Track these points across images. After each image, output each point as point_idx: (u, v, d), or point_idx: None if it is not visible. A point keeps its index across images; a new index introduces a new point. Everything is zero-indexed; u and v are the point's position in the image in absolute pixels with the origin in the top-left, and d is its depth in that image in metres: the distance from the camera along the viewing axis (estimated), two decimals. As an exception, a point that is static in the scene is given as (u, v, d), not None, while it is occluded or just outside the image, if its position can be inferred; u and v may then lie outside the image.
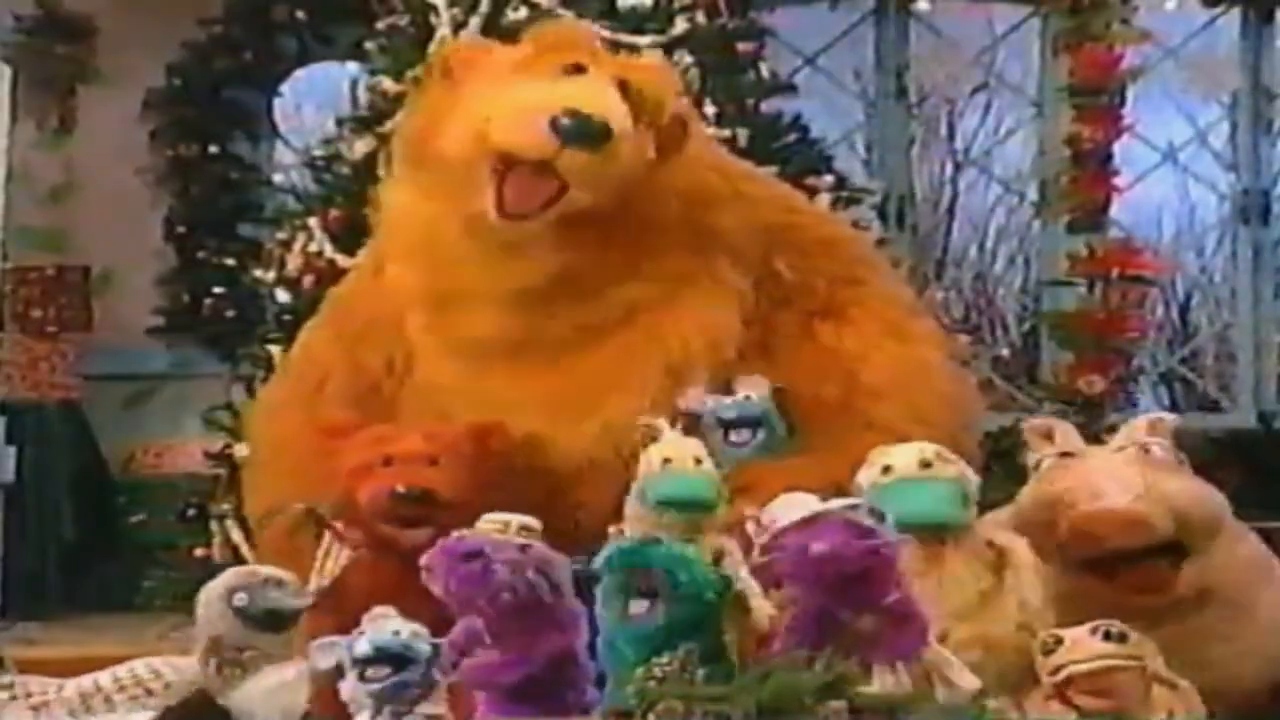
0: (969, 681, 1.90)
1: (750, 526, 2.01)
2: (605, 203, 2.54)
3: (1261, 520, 2.52)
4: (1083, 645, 1.98)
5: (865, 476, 2.21)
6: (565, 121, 2.43)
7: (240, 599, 2.24)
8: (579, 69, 2.61)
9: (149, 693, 2.20)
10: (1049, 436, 2.42)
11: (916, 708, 1.84)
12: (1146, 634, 2.06)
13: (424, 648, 2.00)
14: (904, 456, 2.20)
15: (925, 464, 2.19)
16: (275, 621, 2.25)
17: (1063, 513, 2.25)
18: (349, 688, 2.00)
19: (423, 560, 2.04)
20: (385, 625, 2.01)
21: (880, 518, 1.95)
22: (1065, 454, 2.38)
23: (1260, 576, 2.37)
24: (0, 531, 5.02)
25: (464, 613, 2.04)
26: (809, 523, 1.92)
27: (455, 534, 2.09)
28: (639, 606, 2.04)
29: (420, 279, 2.76)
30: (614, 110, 2.52)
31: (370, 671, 1.98)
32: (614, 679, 2.08)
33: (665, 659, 1.94)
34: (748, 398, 2.61)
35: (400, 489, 2.44)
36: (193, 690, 2.19)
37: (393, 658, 1.98)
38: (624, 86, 2.60)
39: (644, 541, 2.10)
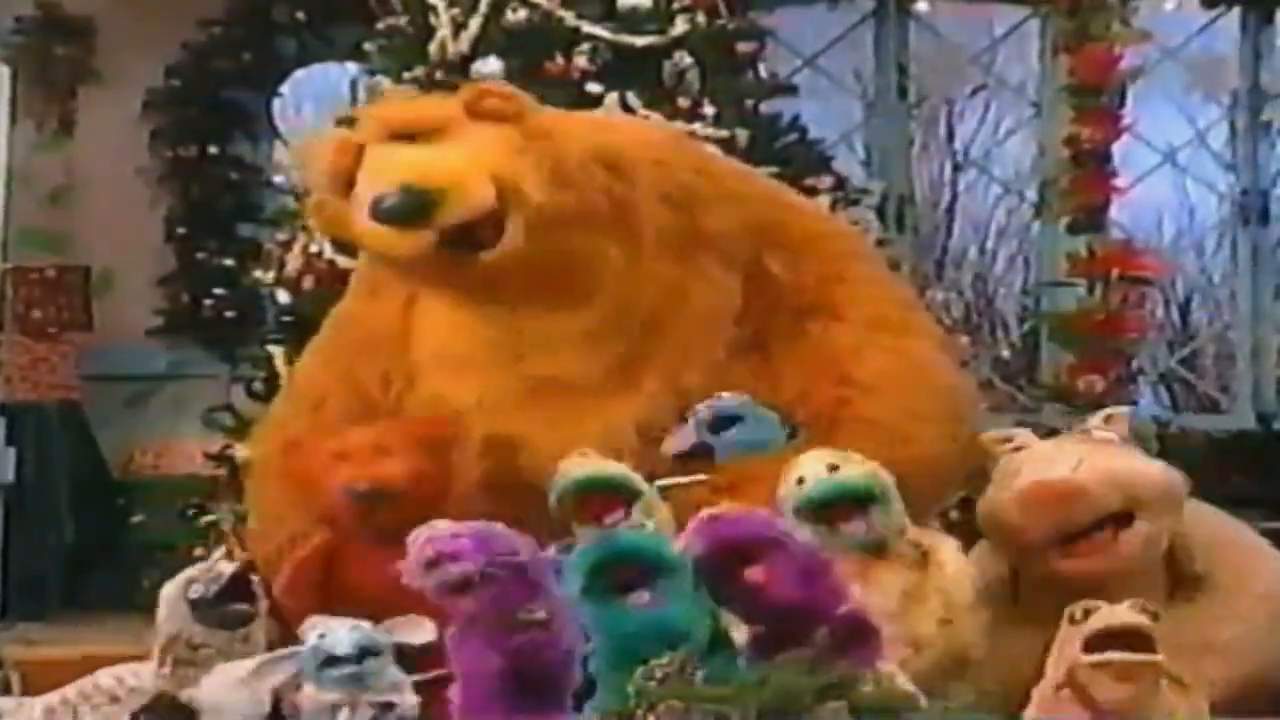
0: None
1: None
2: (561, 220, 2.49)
3: (1261, 521, 2.53)
4: (1117, 611, 2.01)
5: (783, 492, 2.26)
6: (386, 205, 2.36)
7: (196, 589, 2.25)
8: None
9: (115, 700, 2.20)
10: (1007, 440, 2.54)
11: (917, 709, 1.84)
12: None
13: (384, 639, 2.01)
14: (812, 465, 2.26)
15: (833, 467, 2.24)
16: (230, 618, 2.26)
17: (1015, 496, 2.36)
18: (314, 695, 1.99)
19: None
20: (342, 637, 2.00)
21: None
22: (1018, 448, 2.50)
23: (1245, 559, 2.42)
24: (0, 532, 5.04)
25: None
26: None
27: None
28: (640, 597, 2.03)
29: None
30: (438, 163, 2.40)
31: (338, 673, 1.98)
32: (607, 680, 2.07)
33: (665, 659, 1.94)
34: (719, 396, 2.62)
35: (357, 488, 2.46)
36: (156, 692, 2.20)
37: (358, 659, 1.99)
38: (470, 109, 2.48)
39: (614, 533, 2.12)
